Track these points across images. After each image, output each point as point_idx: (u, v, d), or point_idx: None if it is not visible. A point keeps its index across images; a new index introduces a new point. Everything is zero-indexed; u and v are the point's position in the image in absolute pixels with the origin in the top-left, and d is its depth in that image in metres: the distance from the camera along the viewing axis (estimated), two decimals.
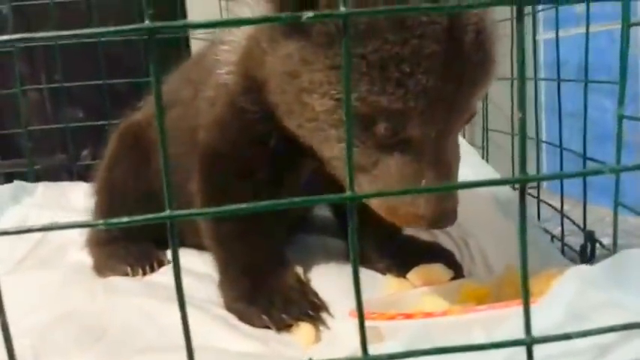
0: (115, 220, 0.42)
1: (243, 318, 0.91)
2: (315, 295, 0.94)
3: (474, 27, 0.72)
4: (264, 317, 0.88)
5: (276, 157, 0.94)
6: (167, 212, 0.43)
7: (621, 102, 0.84)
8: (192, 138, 1.03)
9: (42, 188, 1.62)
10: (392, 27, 0.69)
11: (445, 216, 0.72)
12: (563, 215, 1.15)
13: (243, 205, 0.43)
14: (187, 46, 1.78)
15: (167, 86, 1.25)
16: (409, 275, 0.97)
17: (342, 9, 0.41)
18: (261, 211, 0.43)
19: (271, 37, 0.79)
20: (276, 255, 0.99)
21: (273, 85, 0.82)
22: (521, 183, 0.42)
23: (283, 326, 0.87)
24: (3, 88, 1.82)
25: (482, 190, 1.31)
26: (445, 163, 0.74)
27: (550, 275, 0.85)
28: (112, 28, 0.41)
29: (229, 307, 0.94)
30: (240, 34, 0.93)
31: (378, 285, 1.01)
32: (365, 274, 1.07)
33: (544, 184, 1.61)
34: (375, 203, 0.76)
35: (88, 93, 1.72)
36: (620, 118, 0.85)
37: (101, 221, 0.45)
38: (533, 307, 0.63)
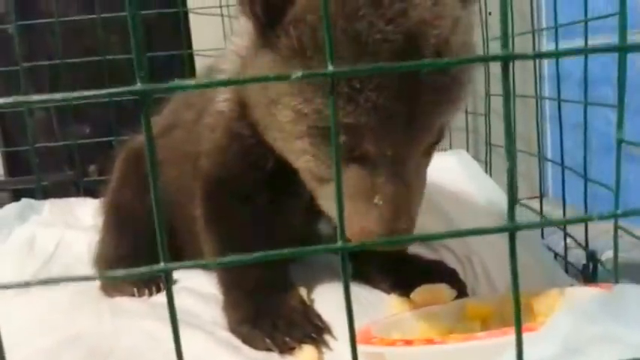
0: (110, 274, 0.43)
1: (246, 341, 0.92)
2: (318, 317, 0.94)
3: (433, 48, 0.70)
4: (267, 340, 0.89)
5: (274, 181, 0.95)
6: (162, 265, 0.44)
7: (620, 126, 0.84)
8: (194, 160, 1.05)
9: (49, 205, 1.64)
10: (346, 44, 0.70)
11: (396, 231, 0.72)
12: (566, 234, 1.15)
13: (246, 257, 0.43)
14: (191, 62, 1.79)
15: (171, 106, 1.27)
16: (413, 295, 0.98)
17: (330, 68, 0.41)
18: (260, 260, 0.44)
19: (249, 53, 0.83)
20: (279, 277, 1.00)
21: (252, 100, 0.86)
22: (511, 231, 0.43)
23: (286, 349, 0.88)
24: (10, 105, 1.85)
25: (486, 206, 1.32)
26: (403, 182, 0.74)
27: (552, 295, 0.86)
28: (104, 91, 0.42)
29: (233, 330, 0.95)
30: (234, 62, 0.95)
31: (382, 305, 1.02)
32: (369, 293, 1.08)
33: (550, 193, 1.61)
34: (332, 213, 0.81)
35: (93, 109, 1.73)
36: (619, 142, 0.85)
37: (96, 275, 0.45)
38: (529, 339, 0.64)
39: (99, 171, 1.86)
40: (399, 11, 0.70)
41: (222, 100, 0.97)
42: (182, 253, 1.23)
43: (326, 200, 0.83)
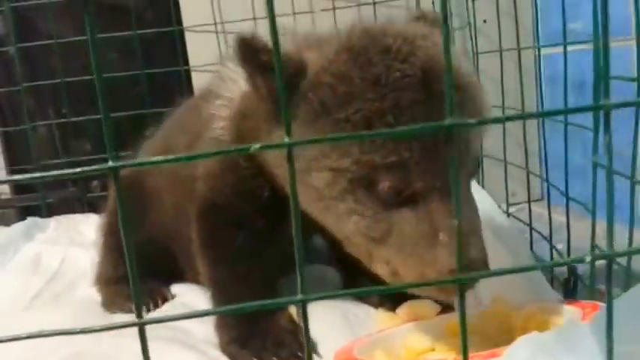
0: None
1: None
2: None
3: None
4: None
5: (269, 208, 0.97)
6: (137, 320, 0.48)
7: (595, 151, 0.87)
8: (190, 183, 1.07)
9: (54, 223, 1.70)
10: (368, 87, 0.73)
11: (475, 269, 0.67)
12: (552, 247, 1.18)
13: (238, 305, 0.47)
14: (188, 78, 1.83)
15: (163, 131, 1.30)
16: (398, 310, 1.00)
17: (286, 139, 0.45)
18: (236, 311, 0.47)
19: (265, 120, 0.83)
20: (269, 297, 1.03)
21: (280, 171, 0.87)
22: (460, 282, 0.46)
23: None
24: (13, 124, 1.91)
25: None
26: (461, 208, 0.73)
27: (530, 313, 0.89)
28: (78, 169, 0.45)
29: (224, 349, 0.98)
30: (235, 89, 0.97)
31: (370, 320, 1.04)
32: (358, 308, 1.10)
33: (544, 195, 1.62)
34: (384, 274, 0.79)
35: (94, 126, 1.78)
36: (595, 167, 0.88)
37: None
38: None
39: (101, 186, 1.91)
40: (409, 53, 0.75)
41: (220, 127, 0.98)
42: (184, 275, 1.28)
43: (382, 262, 0.78)
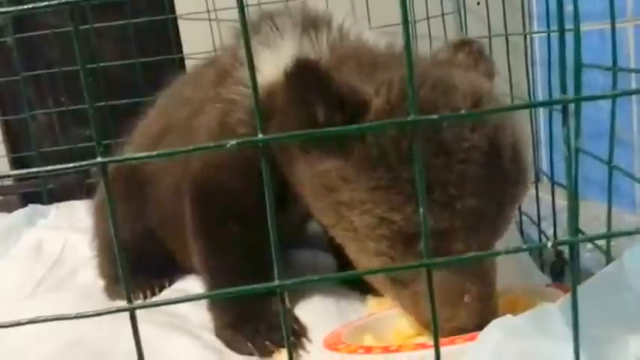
0: None
1: (229, 345, 0.98)
2: (296, 320, 0.99)
3: (510, 146, 0.75)
4: (249, 344, 0.94)
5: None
6: (127, 305, 0.51)
7: (577, 136, 0.90)
8: (187, 166, 1.05)
9: (55, 210, 1.73)
10: (435, 152, 0.71)
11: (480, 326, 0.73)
12: (540, 232, 1.20)
13: (224, 290, 0.50)
14: (182, 66, 1.85)
15: (160, 107, 1.27)
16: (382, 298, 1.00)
17: (260, 135, 0.48)
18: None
19: (302, 147, 0.82)
20: (263, 282, 1.04)
21: (307, 189, 0.85)
22: (427, 266, 0.49)
23: (267, 353, 0.93)
24: (13, 113, 1.94)
25: None
26: (488, 279, 0.77)
27: (516, 296, 0.91)
28: (70, 165, 0.48)
29: (218, 334, 1.01)
30: (259, 79, 0.93)
31: (360, 306, 1.06)
32: (351, 293, 1.11)
33: (543, 176, 1.64)
34: (414, 318, 0.83)
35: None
36: (576, 152, 0.91)
37: None
38: (458, 349, 0.70)
39: None
40: (478, 121, 0.73)
41: (237, 118, 0.94)
42: (182, 266, 1.29)
43: (403, 301, 0.82)
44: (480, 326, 0.70)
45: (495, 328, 0.63)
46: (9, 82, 1.88)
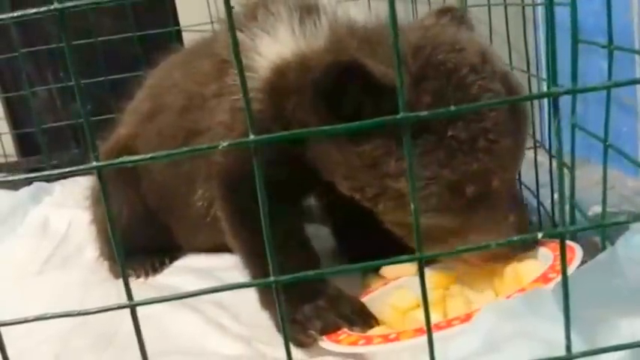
0: None
1: (295, 340, 0.90)
2: (356, 303, 0.94)
3: (519, 88, 0.89)
4: (317, 322, 0.89)
5: (295, 182, 0.97)
6: (128, 302, 0.52)
7: (573, 111, 0.90)
8: (190, 143, 1.07)
9: (59, 187, 1.75)
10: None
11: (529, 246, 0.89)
12: (539, 204, 1.21)
13: (230, 284, 0.51)
14: (179, 38, 1.84)
15: (148, 88, 1.28)
16: (381, 271, 1.03)
17: (251, 137, 0.48)
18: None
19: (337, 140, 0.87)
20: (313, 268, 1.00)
21: (342, 171, 0.89)
22: (420, 260, 0.50)
23: (336, 327, 0.88)
24: (14, 89, 1.94)
25: None
26: (519, 201, 0.91)
27: (514, 266, 0.92)
28: (66, 169, 0.49)
29: (279, 329, 0.89)
30: (262, 61, 0.96)
31: (357, 283, 1.07)
32: (349, 273, 1.12)
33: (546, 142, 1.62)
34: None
35: (92, 86, 1.80)
36: (573, 127, 0.91)
37: None
38: (454, 332, 0.72)
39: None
40: (492, 71, 0.85)
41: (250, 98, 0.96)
42: (180, 242, 1.31)
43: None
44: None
45: (489, 310, 0.65)
46: (8, 60, 1.87)
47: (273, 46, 0.95)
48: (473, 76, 0.82)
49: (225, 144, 0.48)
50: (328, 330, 0.88)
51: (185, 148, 0.49)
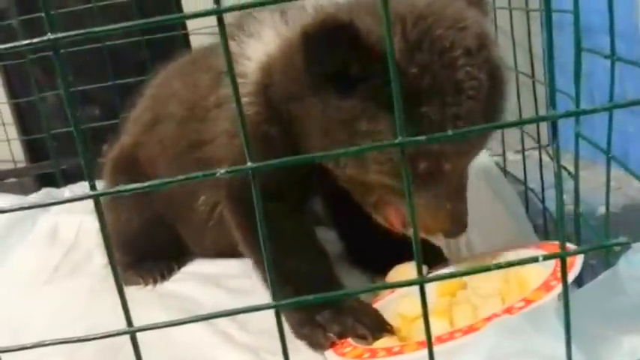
0: None
1: (312, 344, 0.93)
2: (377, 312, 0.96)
3: (504, 81, 0.88)
4: (335, 327, 0.91)
5: (301, 181, 1.00)
6: (127, 328, 0.52)
7: (577, 121, 0.90)
8: (193, 152, 1.10)
9: (69, 193, 1.76)
10: (451, 90, 0.81)
11: (461, 230, 0.93)
12: (545, 209, 1.20)
13: (229, 310, 0.52)
14: (187, 41, 1.84)
15: (148, 99, 1.30)
16: (387, 278, 1.04)
17: (249, 164, 0.48)
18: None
19: (315, 89, 0.87)
20: (328, 274, 1.03)
21: (319, 128, 0.90)
22: (420, 284, 0.50)
23: (357, 334, 0.90)
24: (23, 95, 1.95)
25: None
26: (462, 187, 0.92)
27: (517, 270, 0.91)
28: (65, 198, 0.49)
29: (297, 335, 0.95)
30: (251, 65, 0.98)
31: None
32: (358, 279, 1.16)
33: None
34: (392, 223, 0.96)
35: (100, 91, 1.81)
36: (577, 137, 0.90)
37: None
38: (457, 345, 0.72)
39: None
40: (485, 59, 0.84)
41: (245, 103, 0.95)
42: (189, 248, 1.32)
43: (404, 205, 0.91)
44: (456, 229, 0.91)
45: (491, 327, 0.65)
46: (17, 65, 1.88)
47: (259, 47, 0.98)
48: (465, 59, 0.81)
49: (222, 171, 0.49)
50: (346, 334, 0.90)
51: (193, 174, 0.49)
